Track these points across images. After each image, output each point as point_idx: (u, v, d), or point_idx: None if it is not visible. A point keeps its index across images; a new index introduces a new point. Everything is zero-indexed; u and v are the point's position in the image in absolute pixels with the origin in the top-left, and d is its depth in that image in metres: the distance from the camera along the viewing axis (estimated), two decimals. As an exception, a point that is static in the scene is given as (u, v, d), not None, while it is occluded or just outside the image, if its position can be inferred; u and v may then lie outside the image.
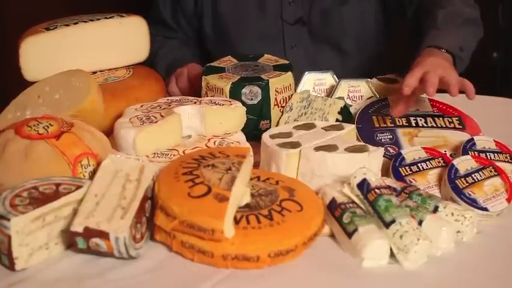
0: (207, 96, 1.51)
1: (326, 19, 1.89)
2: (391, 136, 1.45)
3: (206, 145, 1.38)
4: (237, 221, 1.15)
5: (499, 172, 1.32)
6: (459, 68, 1.53)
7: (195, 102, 1.44)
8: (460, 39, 1.59)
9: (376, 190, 1.19)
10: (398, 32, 2.02)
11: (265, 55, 1.62)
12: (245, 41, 1.91)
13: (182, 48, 1.97)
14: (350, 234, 1.16)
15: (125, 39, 1.61)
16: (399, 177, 1.32)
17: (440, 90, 1.58)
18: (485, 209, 1.25)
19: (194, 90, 1.63)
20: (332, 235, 1.21)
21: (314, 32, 1.91)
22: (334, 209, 1.20)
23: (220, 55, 1.65)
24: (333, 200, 1.21)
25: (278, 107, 1.51)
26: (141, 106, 1.44)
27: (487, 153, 1.38)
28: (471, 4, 1.73)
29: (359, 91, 1.57)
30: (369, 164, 1.25)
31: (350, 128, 1.40)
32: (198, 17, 1.97)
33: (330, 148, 1.28)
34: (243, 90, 1.48)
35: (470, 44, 1.64)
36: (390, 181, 1.30)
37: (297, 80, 1.59)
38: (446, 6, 1.66)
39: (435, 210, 1.21)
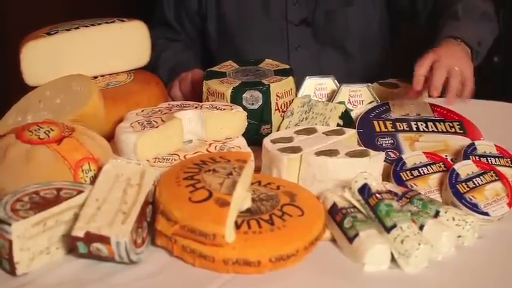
0: (208, 101, 1.51)
1: (330, 20, 1.89)
2: (392, 141, 1.45)
3: (207, 150, 1.38)
4: (238, 226, 1.15)
5: (500, 177, 1.32)
6: (476, 62, 1.53)
7: (196, 107, 1.44)
8: (478, 34, 1.59)
9: (377, 195, 1.19)
10: (402, 37, 2.02)
11: (266, 60, 1.62)
12: (249, 42, 1.91)
13: (186, 52, 1.98)
14: (351, 239, 1.16)
15: (126, 43, 1.62)
16: (400, 181, 1.32)
17: (439, 95, 1.59)
18: (486, 214, 1.25)
19: (196, 96, 1.63)
20: (333, 240, 1.21)
21: (318, 33, 1.91)
22: (335, 213, 1.20)
23: (223, 56, 1.65)
24: (334, 205, 1.21)
25: (279, 111, 1.51)
26: (142, 111, 1.44)
27: (488, 158, 1.38)
28: None
29: (360, 96, 1.57)
30: (370, 168, 1.25)
31: (351, 133, 1.40)
32: (202, 18, 1.97)
33: (331, 153, 1.28)
34: (244, 95, 1.48)
35: (488, 40, 1.64)
36: (391, 186, 1.30)
37: (299, 83, 1.58)
38: (462, 0, 1.66)
39: (436, 214, 1.21)
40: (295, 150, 1.30)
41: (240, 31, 1.92)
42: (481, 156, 1.38)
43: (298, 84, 1.58)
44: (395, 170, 1.34)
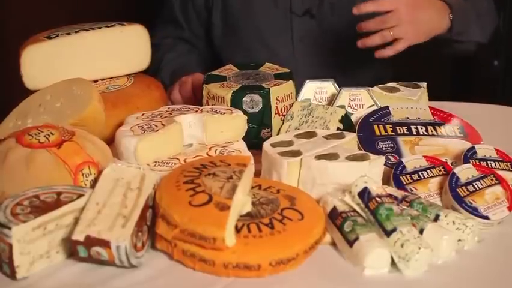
0: (208, 105, 1.51)
1: (335, 13, 1.90)
2: (392, 144, 1.45)
3: (207, 154, 1.38)
4: (238, 230, 1.15)
5: (500, 180, 1.32)
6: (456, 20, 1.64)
7: (196, 111, 1.44)
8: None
9: (377, 198, 1.19)
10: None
11: (266, 63, 1.62)
12: (254, 33, 1.92)
13: (189, 54, 1.98)
14: (351, 243, 1.16)
15: (126, 47, 1.62)
16: (400, 185, 1.32)
17: (439, 99, 1.59)
18: (486, 218, 1.25)
19: (196, 100, 1.63)
20: (333, 243, 1.21)
21: (323, 26, 1.91)
22: (335, 217, 1.20)
23: (228, 50, 1.64)
24: (334, 209, 1.21)
25: (279, 115, 1.51)
26: (142, 115, 1.44)
27: (488, 162, 1.38)
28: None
29: (360, 99, 1.57)
30: (370, 172, 1.25)
31: (351, 137, 1.40)
32: (208, 11, 1.98)
33: (331, 156, 1.28)
34: (244, 99, 1.48)
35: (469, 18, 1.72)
36: (391, 189, 1.30)
37: (303, 76, 1.58)
38: None
39: (437, 218, 1.21)
40: (295, 154, 1.30)
41: (245, 22, 1.93)
42: (481, 160, 1.38)
43: (299, 85, 1.58)
44: (395, 173, 1.34)
